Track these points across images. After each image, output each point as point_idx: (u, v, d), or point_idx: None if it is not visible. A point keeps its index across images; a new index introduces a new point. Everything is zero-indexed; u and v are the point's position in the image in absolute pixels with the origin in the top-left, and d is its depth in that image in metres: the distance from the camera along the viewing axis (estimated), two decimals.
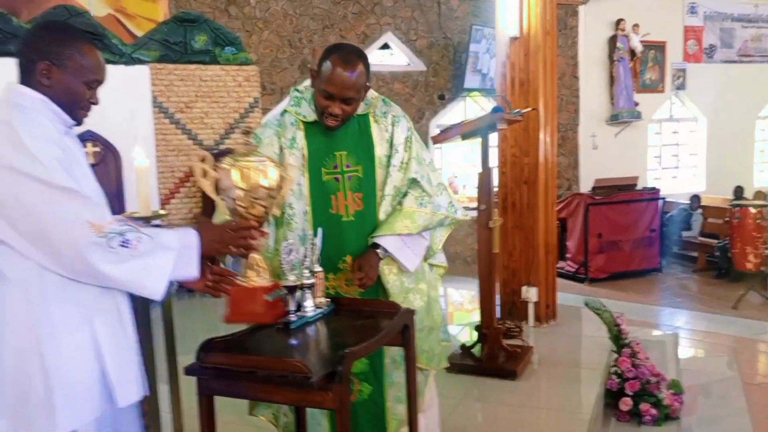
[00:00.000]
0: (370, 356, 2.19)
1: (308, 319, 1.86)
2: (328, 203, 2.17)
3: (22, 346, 1.54)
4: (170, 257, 1.57)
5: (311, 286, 1.89)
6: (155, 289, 1.56)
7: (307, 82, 2.21)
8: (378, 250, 2.15)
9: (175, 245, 1.59)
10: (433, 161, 2.37)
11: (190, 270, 1.61)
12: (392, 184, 2.22)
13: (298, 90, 2.26)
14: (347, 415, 1.55)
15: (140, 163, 2.04)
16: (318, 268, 1.94)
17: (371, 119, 2.24)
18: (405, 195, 2.23)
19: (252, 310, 1.62)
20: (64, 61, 1.61)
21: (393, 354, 2.25)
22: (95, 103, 1.71)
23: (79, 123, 1.71)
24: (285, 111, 2.24)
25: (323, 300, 1.94)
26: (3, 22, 5.57)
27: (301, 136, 2.18)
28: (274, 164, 1.71)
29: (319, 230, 2.01)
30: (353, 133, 2.21)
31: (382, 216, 2.22)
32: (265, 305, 1.61)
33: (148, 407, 2.41)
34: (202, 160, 1.71)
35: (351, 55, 2.07)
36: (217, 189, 1.80)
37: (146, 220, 2.12)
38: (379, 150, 2.23)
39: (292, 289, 1.86)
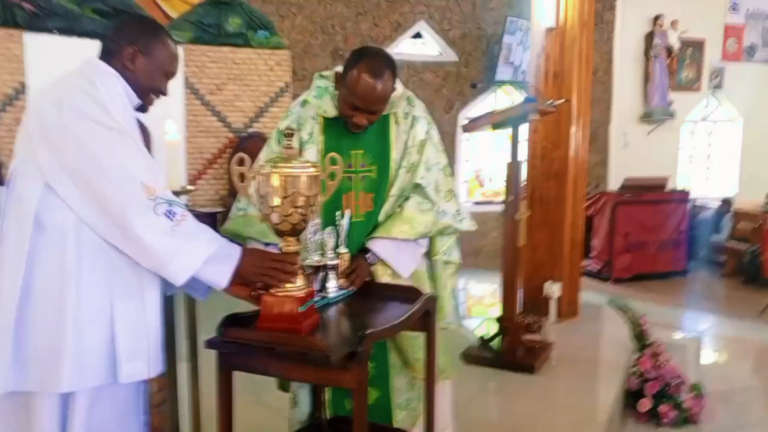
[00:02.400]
0: (376, 360, 2.16)
1: (330, 300, 1.87)
2: (338, 203, 2.09)
3: (46, 297, 1.57)
4: (206, 251, 1.59)
5: (334, 267, 1.90)
6: (177, 275, 1.58)
7: (337, 68, 2.15)
8: (368, 255, 2.07)
9: (215, 245, 1.61)
10: (448, 166, 2.28)
11: (220, 278, 1.62)
12: (399, 185, 2.16)
13: (323, 76, 2.18)
14: (365, 395, 1.56)
15: (171, 138, 2.06)
16: (344, 250, 1.94)
17: (392, 120, 2.17)
18: (407, 199, 2.16)
19: (284, 319, 1.59)
20: (150, 49, 1.75)
21: (394, 360, 2.21)
22: (165, 94, 1.83)
23: (144, 109, 1.80)
24: (306, 101, 2.16)
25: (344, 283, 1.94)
26: (44, 0, 5.67)
27: (318, 131, 2.13)
28: (316, 170, 1.63)
29: (347, 212, 1.99)
30: (372, 132, 2.14)
31: (381, 216, 2.15)
32: (299, 315, 1.60)
33: (167, 383, 2.45)
34: (240, 162, 1.64)
35: (378, 66, 1.98)
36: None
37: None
38: (396, 152, 2.17)
39: (315, 269, 1.86)
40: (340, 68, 2.10)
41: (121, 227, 1.55)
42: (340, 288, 1.92)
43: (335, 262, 1.89)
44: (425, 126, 2.20)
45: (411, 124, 2.18)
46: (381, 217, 2.15)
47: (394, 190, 2.16)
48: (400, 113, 2.18)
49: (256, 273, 1.63)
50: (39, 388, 1.59)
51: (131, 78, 1.73)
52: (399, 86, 2.17)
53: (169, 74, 1.81)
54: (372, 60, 1.99)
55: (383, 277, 2.12)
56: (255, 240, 2.02)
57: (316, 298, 1.80)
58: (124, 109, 1.67)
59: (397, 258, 2.11)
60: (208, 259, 1.58)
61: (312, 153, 2.10)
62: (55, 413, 1.62)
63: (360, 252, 2.07)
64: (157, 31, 1.79)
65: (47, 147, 1.58)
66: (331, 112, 2.12)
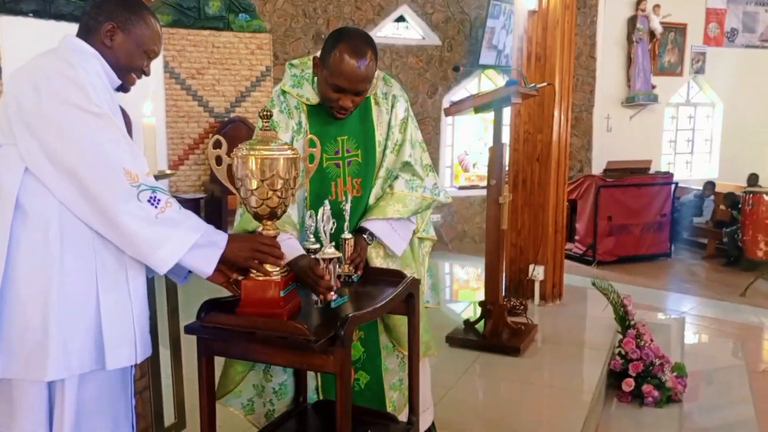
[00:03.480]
0: (365, 343, 2.16)
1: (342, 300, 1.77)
2: (328, 190, 2.08)
3: (30, 284, 1.53)
4: (191, 239, 1.55)
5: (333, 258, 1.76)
6: (162, 262, 1.54)
7: (312, 54, 2.11)
8: (365, 235, 2.05)
9: (201, 232, 1.57)
10: (423, 142, 2.28)
11: (205, 265, 1.59)
12: (385, 166, 2.16)
13: (293, 65, 2.13)
14: (349, 379, 1.54)
15: (148, 120, 2.01)
16: (348, 235, 1.91)
17: (372, 101, 2.16)
18: (396, 178, 2.15)
19: (265, 303, 1.56)
20: (129, 26, 1.68)
21: (384, 342, 2.20)
22: (147, 74, 1.76)
23: (124, 89, 1.75)
24: (284, 91, 2.10)
25: (351, 269, 1.92)
26: None
27: (305, 120, 2.09)
28: (294, 153, 1.59)
29: (349, 196, 1.97)
30: (355, 116, 2.12)
31: (371, 199, 2.15)
32: (280, 299, 1.57)
33: (149, 369, 2.42)
34: (216, 144, 1.59)
35: (360, 44, 1.93)
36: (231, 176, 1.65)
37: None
38: (379, 134, 2.16)
39: (329, 261, 1.72)
40: (316, 54, 2.06)
41: (104, 214, 1.52)
42: (346, 274, 1.89)
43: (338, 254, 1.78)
44: (404, 104, 2.21)
45: (392, 103, 2.17)
46: (371, 200, 2.14)
47: (381, 172, 2.16)
48: (380, 94, 2.17)
49: (245, 257, 1.60)
50: (25, 376, 1.55)
51: (110, 56, 1.68)
52: None
53: (150, 52, 1.74)
54: (352, 39, 1.95)
55: (377, 259, 2.12)
56: None
57: (333, 296, 1.70)
58: (105, 91, 1.62)
59: (391, 237, 2.12)
60: (193, 246, 1.55)
61: (302, 143, 2.06)
62: (41, 400, 1.59)
63: (356, 234, 2.06)
64: (137, 7, 1.71)
65: (26, 132, 1.53)
66: (314, 99, 2.08)
